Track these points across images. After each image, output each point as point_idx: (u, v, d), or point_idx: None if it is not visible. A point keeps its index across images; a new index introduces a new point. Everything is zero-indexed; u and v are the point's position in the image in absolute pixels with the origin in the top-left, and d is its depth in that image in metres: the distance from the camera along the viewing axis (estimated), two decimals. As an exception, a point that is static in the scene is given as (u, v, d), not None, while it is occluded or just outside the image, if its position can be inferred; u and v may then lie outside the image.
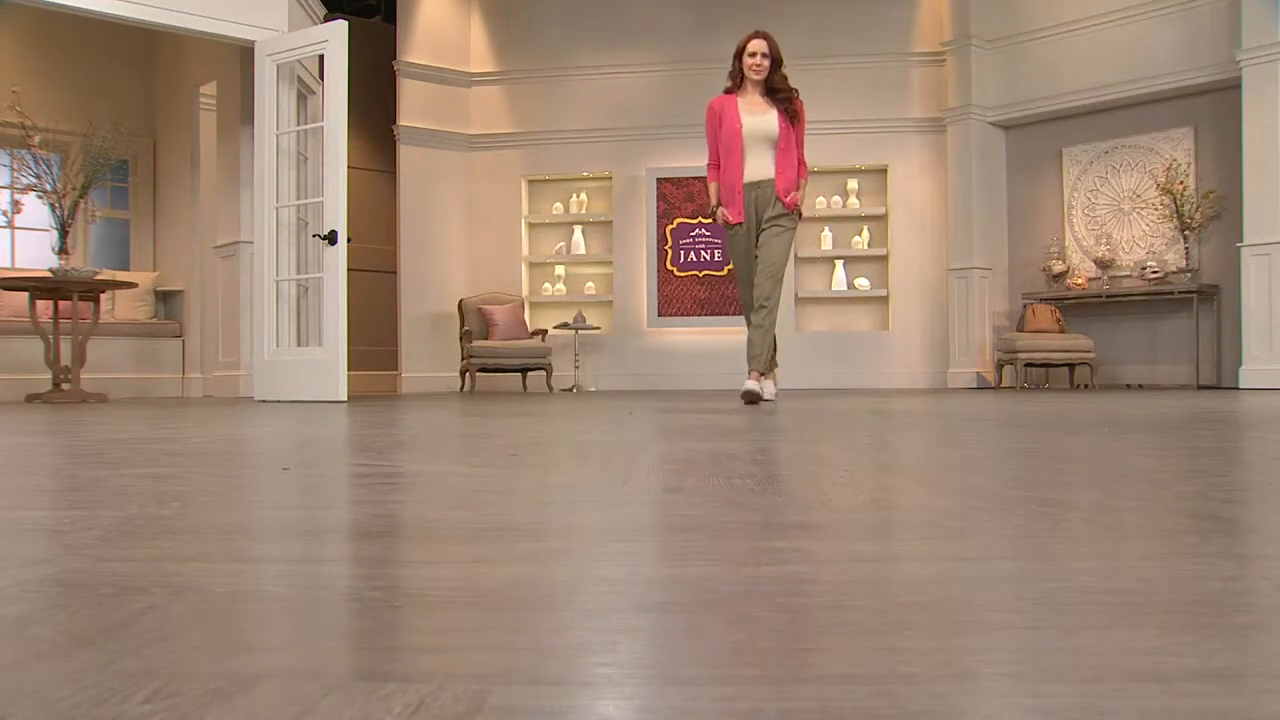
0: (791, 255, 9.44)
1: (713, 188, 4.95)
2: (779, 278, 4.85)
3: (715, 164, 4.94)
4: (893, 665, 0.51)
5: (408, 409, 4.64)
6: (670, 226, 9.18)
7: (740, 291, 5.09)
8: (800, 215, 4.91)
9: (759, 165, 4.86)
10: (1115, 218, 8.44)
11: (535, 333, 8.84)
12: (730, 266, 5.34)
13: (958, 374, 8.82)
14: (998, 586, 0.70)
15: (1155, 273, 8.01)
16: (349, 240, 6.15)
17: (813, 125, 9.22)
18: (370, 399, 6.61)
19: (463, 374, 8.51)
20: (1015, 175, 9.07)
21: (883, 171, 9.19)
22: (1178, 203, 7.85)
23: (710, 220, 4.46)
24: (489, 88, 9.55)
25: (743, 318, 5.23)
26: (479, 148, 9.52)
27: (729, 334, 8.69)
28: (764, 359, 4.80)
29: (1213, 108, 7.83)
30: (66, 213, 6.47)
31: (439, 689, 0.47)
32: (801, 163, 4.94)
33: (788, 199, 4.81)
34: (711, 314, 9.11)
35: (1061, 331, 8.13)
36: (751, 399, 4.56)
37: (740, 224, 4.86)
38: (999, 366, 8.53)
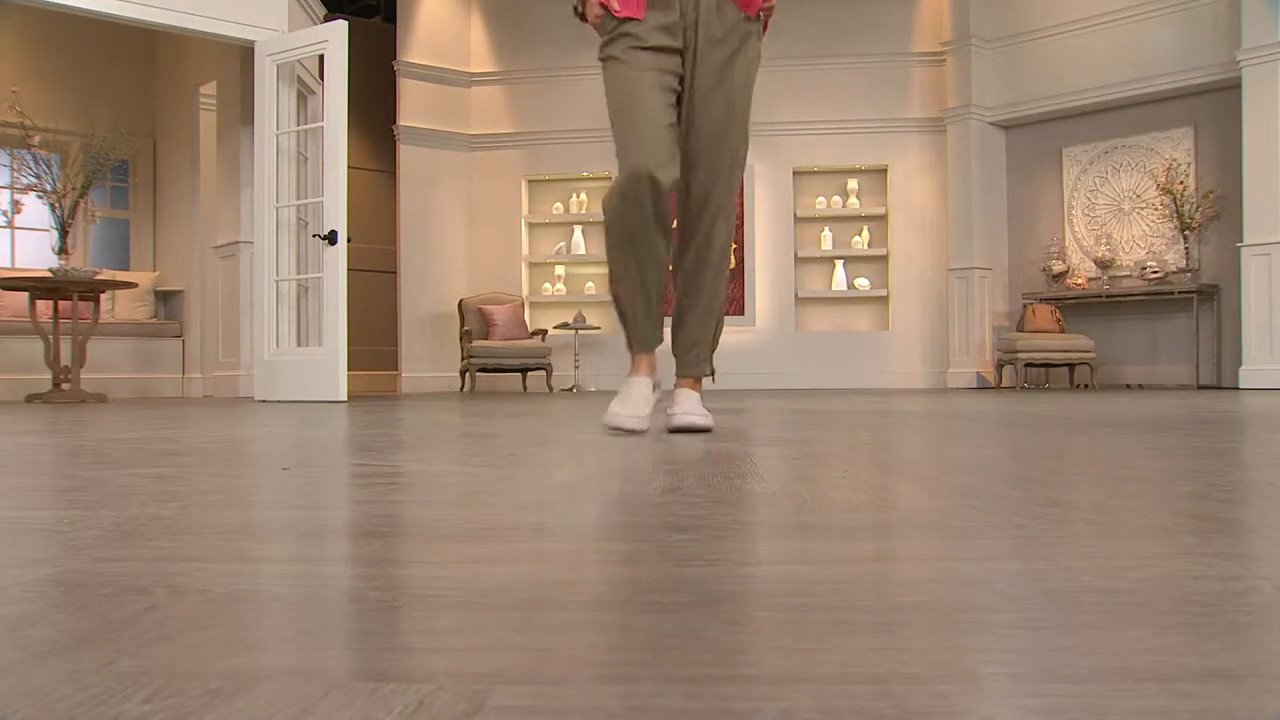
0: (792, 243, 9.44)
1: None
2: (738, 162, 2.56)
3: None
4: (893, 665, 0.51)
5: (408, 409, 4.64)
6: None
7: (623, 152, 2.40)
8: (770, 16, 2.52)
9: None
10: (1115, 218, 8.45)
11: (535, 333, 8.84)
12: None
13: (958, 374, 8.82)
14: (998, 586, 0.70)
15: (1155, 273, 8.01)
16: (349, 240, 6.15)
17: (813, 125, 9.28)
18: (370, 399, 6.61)
19: (463, 374, 8.51)
20: (1015, 175, 9.08)
21: (883, 171, 9.19)
22: (1178, 203, 7.86)
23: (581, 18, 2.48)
24: (489, 88, 9.55)
25: (718, 308, 2.98)
26: (479, 148, 9.53)
27: (731, 333, 8.69)
28: (705, 346, 2.90)
29: (1213, 108, 7.83)
30: (66, 213, 6.47)
31: (439, 689, 0.47)
32: None
33: None
34: (711, 314, 9.10)
35: (1061, 331, 8.14)
36: (634, 428, 2.44)
37: (639, 20, 2.39)
38: (999, 366, 8.53)
